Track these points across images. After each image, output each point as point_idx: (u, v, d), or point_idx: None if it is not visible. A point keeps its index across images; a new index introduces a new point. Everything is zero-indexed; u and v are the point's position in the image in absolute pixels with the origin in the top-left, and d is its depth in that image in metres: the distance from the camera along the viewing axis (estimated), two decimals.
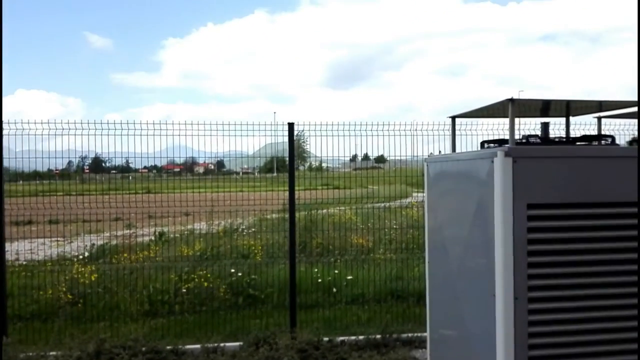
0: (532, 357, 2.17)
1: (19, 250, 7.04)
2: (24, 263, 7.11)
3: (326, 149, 6.13)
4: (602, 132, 2.99)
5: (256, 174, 9.26)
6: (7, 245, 5.76)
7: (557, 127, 4.35)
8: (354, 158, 7.85)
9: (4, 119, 5.47)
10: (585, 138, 2.60)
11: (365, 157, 7.95)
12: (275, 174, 8.58)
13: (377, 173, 7.79)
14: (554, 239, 2.19)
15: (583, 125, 5.69)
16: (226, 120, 5.90)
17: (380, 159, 7.84)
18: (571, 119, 3.10)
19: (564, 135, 2.97)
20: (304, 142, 7.49)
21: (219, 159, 8.30)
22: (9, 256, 6.16)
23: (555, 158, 2.21)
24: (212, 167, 8.57)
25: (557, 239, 2.19)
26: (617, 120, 5.26)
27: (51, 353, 5.06)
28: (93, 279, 6.60)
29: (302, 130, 6.32)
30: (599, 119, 3.10)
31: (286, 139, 5.95)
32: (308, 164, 8.81)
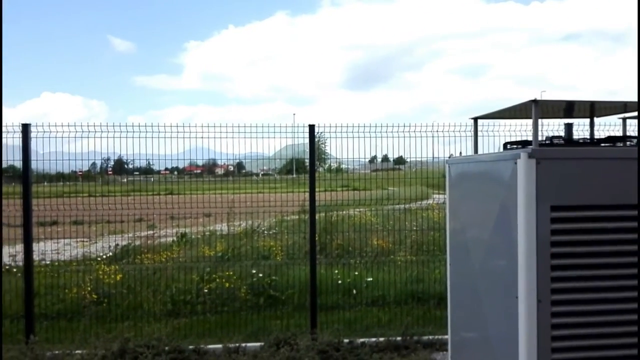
0: None
1: (45, 250, 7.19)
2: (50, 263, 7.26)
3: (345, 150, 6.16)
4: (628, 133, 2.95)
5: (275, 175, 9.30)
6: (34, 246, 5.89)
7: (581, 128, 4.31)
8: (373, 159, 7.83)
9: (32, 121, 5.61)
10: (610, 139, 2.57)
11: (385, 159, 7.92)
12: (294, 176, 8.61)
13: (397, 174, 7.77)
14: (578, 242, 2.17)
15: (608, 126, 5.61)
16: (246, 122, 5.97)
17: (400, 161, 7.82)
18: (595, 119, 3.07)
19: (588, 137, 2.94)
20: (323, 143, 7.51)
21: (238, 160, 8.36)
22: (36, 256, 6.29)
23: (580, 160, 2.19)
24: (232, 168, 8.63)
25: (581, 241, 2.17)
26: None
27: (77, 352, 5.17)
28: (117, 279, 6.71)
29: (322, 132, 6.34)
30: (624, 119, 3.06)
31: (306, 140, 5.97)
32: (327, 165, 8.82)
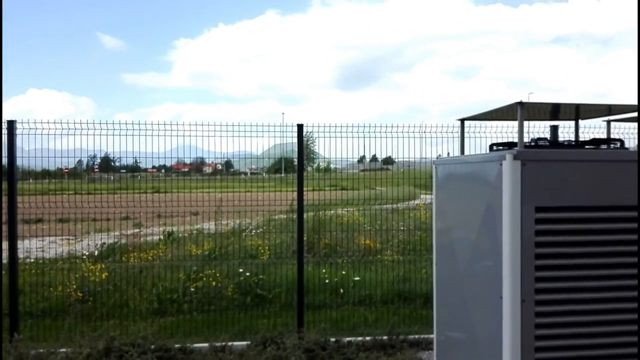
0: None
1: (29, 248, 7.12)
2: (35, 261, 7.18)
3: (334, 150, 6.17)
4: (612, 136, 3.00)
5: (264, 174, 9.29)
6: (19, 243, 5.82)
7: (566, 130, 4.36)
8: (361, 159, 7.85)
9: (17, 118, 5.56)
10: (594, 141, 2.60)
11: (373, 159, 7.95)
12: (283, 175, 8.61)
13: (385, 174, 7.80)
14: (562, 242, 2.20)
15: (593, 128, 5.69)
16: (235, 120, 5.96)
17: (388, 161, 7.85)
18: (581, 122, 3.11)
19: (573, 139, 2.98)
20: (312, 143, 7.51)
21: (227, 159, 8.34)
22: (20, 254, 6.23)
23: (564, 161, 2.22)
24: (220, 167, 8.61)
25: (565, 242, 2.20)
26: (627, 124, 5.24)
27: (61, 350, 5.12)
28: (103, 277, 6.66)
29: (311, 132, 6.35)
30: (609, 122, 3.11)
31: (294, 139, 5.98)
32: (316, 164, 8.83)
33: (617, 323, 2.21)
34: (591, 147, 2.56)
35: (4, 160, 5.54)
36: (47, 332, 5.86)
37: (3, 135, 5.48)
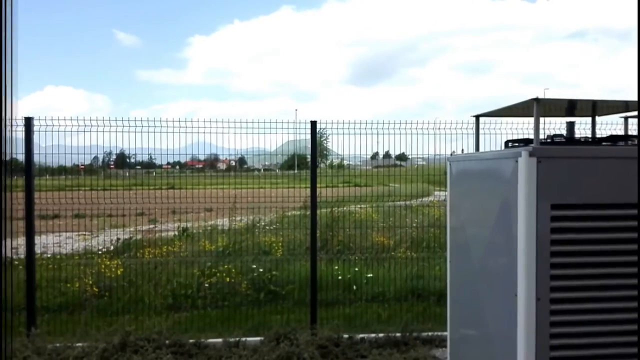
0: (554, 358, 2.16)
1: (46, 243, 7.21)
2: (52, 256, 7.28)
3: (347, 146, 6.17)
4: (629, 133, 2.95)
5: (277, 170, 9.31)
6: (36, 239, 5.91)
7: (583, 126, 4.31)
8: (375, 156, 7.83)
9: (35, 115, 5.64)
10: (611, 138, 2.57)
11: (387, 155, 7.92)
12: (296, 171, 8.62)
13: (399, 171, 7.77)
14: (578, 240, 2.17)
15: (610, 125, 5.62)
16: (249, 117, 5.97)
17: (402, 157, 7.82)
18: (597, 118, 3.07)
19: (590, 135, 2.94)
20: (325, 139, 7.51)
21: (240, 155, 8.37)
22: (37, 249, 6.32)
23: (581, 158, 2.20)
24: (234, 163, 8.65)
25: (581, 240, 2.17)
26: None
27: (78, 344, 5.19)
28: (119, 272, 6.74)
29: (324, 128, 6.34)
30: (626, 118, 3.06)
31: (308, 136, 5.98)
32: (329, 161, 8.83)
33: (634, 322, 2.18)
34: (608, 143, 2.52)
35: (22, 157, 5.62)
36: (64, 326, 5.94)
37: (21, 132, 5.57)
